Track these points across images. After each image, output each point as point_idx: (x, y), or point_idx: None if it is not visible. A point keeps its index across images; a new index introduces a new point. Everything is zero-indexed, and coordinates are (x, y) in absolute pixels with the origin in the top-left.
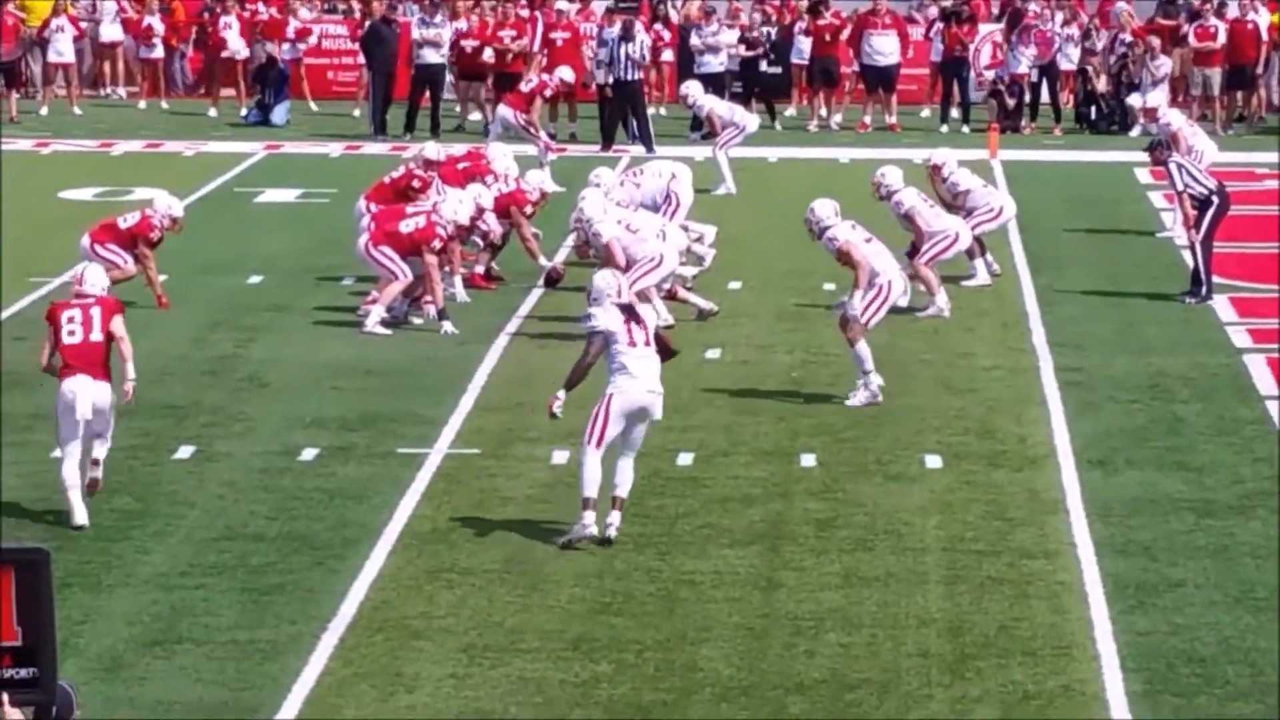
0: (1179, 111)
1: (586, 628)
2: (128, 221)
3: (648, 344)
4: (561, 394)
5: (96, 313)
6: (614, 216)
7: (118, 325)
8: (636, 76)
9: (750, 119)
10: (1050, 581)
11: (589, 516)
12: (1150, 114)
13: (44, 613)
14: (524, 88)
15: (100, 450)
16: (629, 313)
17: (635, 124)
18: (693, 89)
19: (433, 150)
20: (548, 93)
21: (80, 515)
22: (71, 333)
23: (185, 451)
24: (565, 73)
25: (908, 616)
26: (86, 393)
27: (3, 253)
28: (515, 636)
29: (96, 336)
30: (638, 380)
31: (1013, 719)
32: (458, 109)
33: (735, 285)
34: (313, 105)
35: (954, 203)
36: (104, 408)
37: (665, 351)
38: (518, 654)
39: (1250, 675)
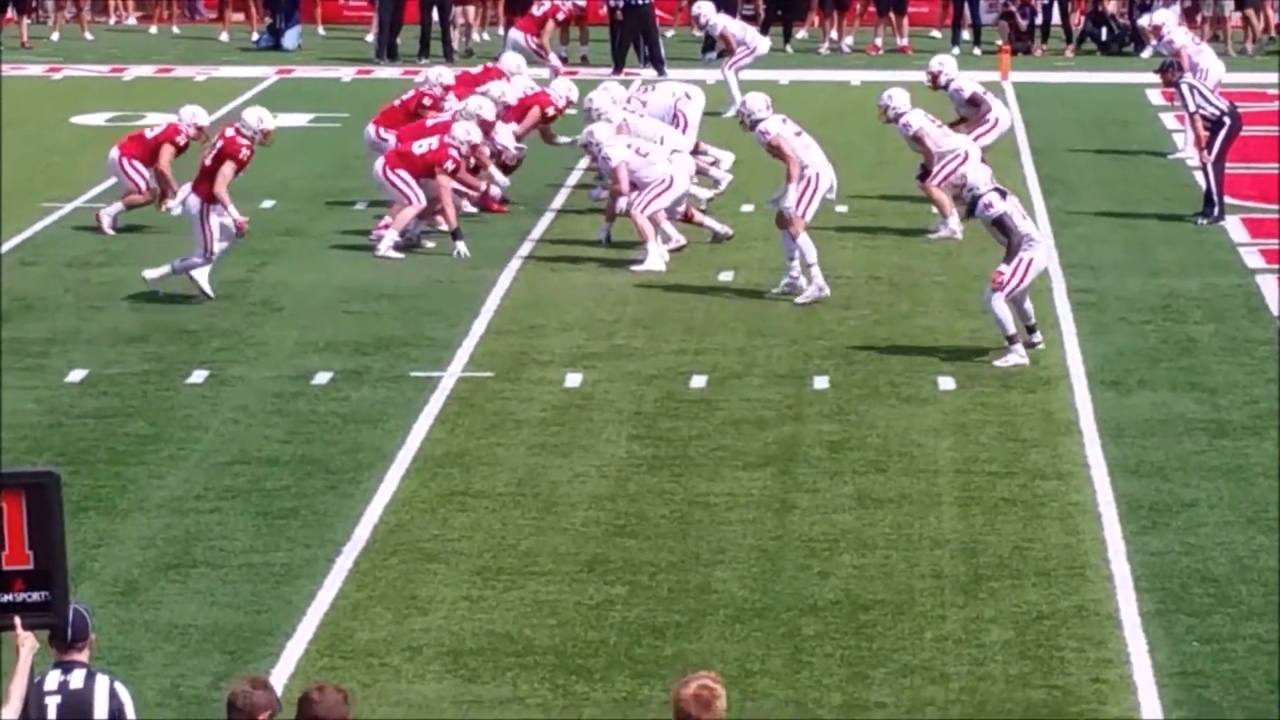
0: (1184, 29)
1: (601, 550)
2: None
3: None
4: None
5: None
6: (624, 140)
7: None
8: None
9: (761, 40)
10: (1063, 502)
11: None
12: (1156, 31)
13: (55, 536)
14: (536, 11)
15: None
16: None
17: (647, 47)
18: (705, 9)
19: (444, 75)
20: (559, 16)
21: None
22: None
23: (199, 376)
24: None
25: (921, 538)
26: None
27: (9, 179)
28: (529, 559)
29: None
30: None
31: (1026, 639)
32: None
33: (748, 208)
34: (321, 30)
35: (959, 111)
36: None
37: None
38: (532, 576)
39: (1263, 594)
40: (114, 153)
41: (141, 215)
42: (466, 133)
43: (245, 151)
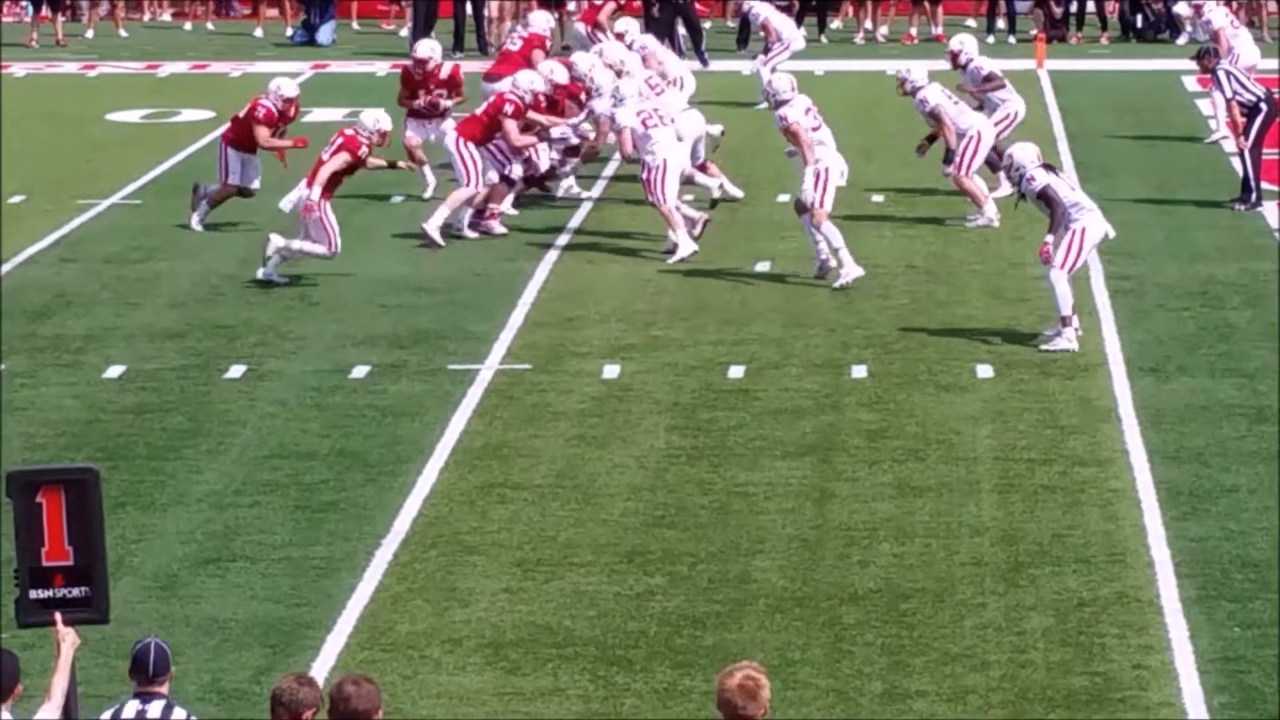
0: (1224, 10)
1: (640, 540)
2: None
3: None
4: None
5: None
6: (636, 107)
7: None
8: None
9: (798, 37)
10: (1103, 489)
11: (1071, 332)
12: (1198, 10)
13: (94, 532)
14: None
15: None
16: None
17: (691, 39)
18: None
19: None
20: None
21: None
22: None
23: (237, 371)
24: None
25: (960, 525)
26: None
27: (46, 175)
28: (569, 550)
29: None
30: (1097, 214)
31: (1067, 626)
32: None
33: (784, 198)
34: (355, 25)
35: (979, 91)
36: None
37: None
38: (571, 568)
39: None
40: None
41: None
42: (531, 81)
43: (364, 150)
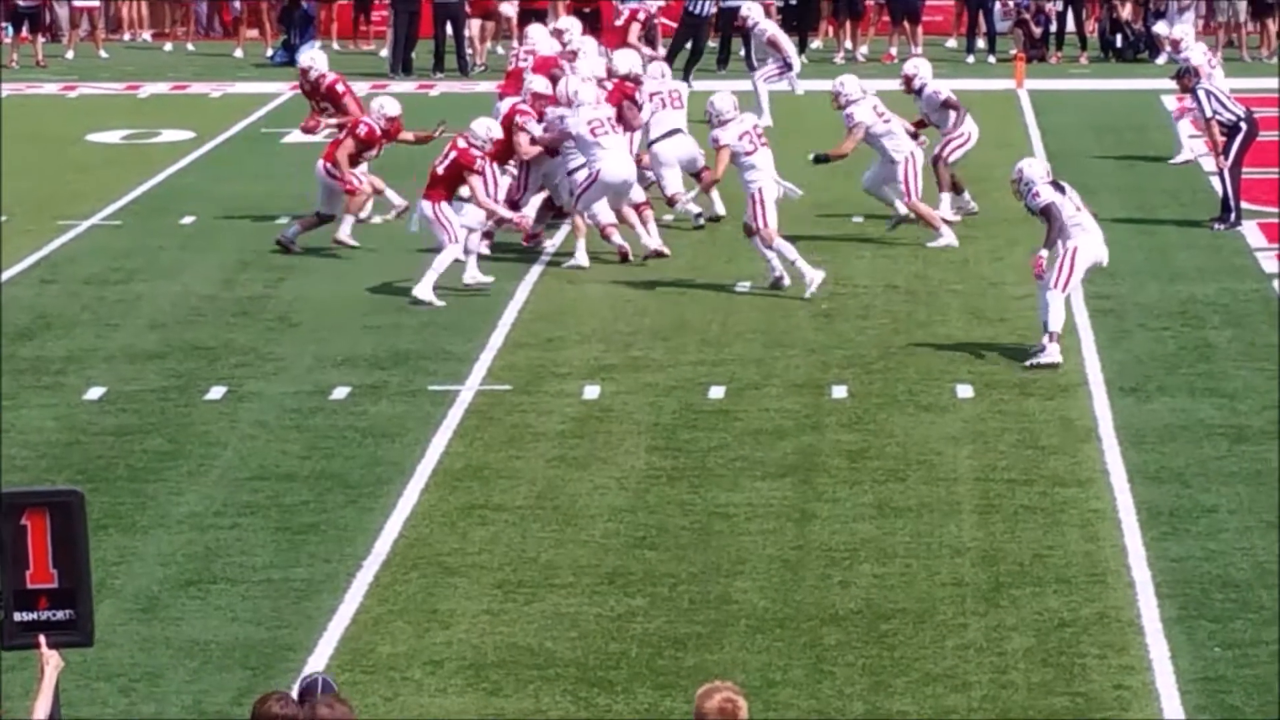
0: (1201, 46)
1: (621, 562)
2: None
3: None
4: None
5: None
6: (589, 115)
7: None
8: (710, 10)
9: (796, 59)
10: (1083, 509)
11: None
12: (1175, 45)
13: (79, 555)
14: (616, 23)
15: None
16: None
17: (690, 59)
18: (754, 11)
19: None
20: (640, 19)
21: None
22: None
23: (217, 392)
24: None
25: (941, 546)
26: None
27: (25, 197)
28: (550, 571)
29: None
30: (1094, 235)
31: (1048, 646)
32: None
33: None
34: (335, 45)
35: (930, 117)
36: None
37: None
38: (552, 589)
39: None
40: (319, 165)
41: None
42: (487, 129)
43: (480, 161)
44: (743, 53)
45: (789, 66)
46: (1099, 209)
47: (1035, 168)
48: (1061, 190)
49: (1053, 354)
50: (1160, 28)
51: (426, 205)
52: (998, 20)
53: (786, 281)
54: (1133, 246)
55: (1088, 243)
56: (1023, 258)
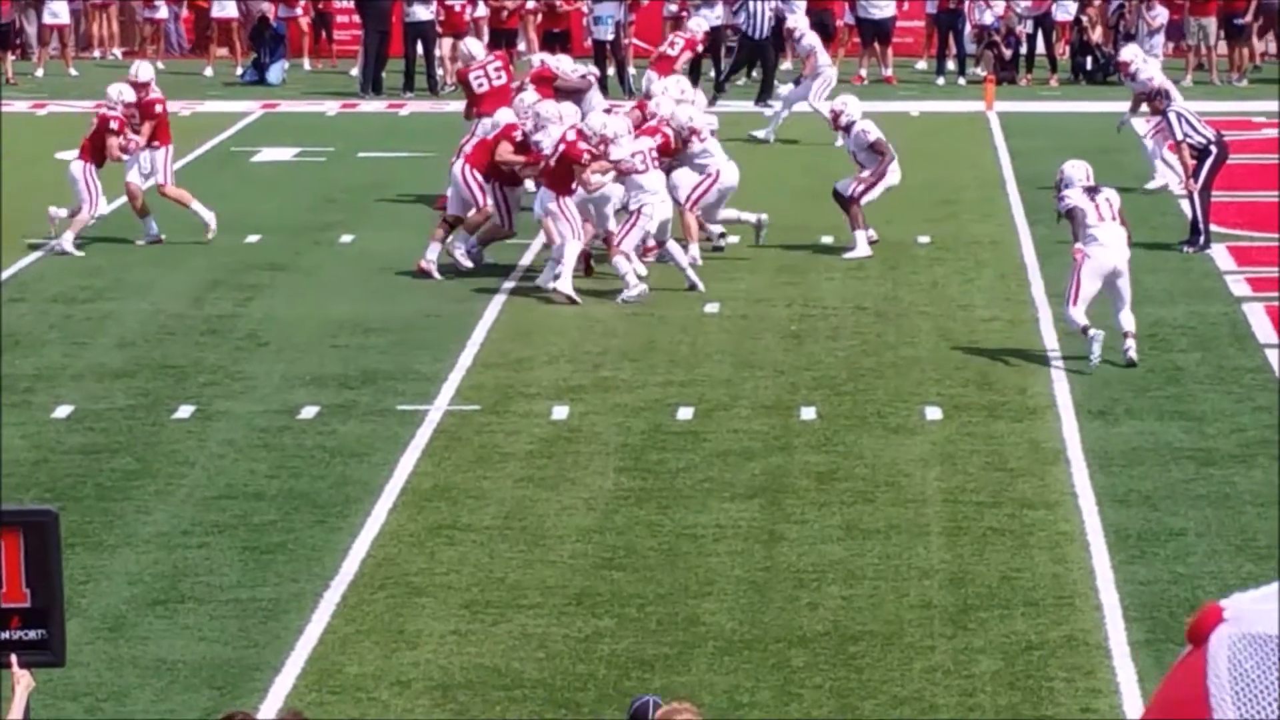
0: (1157, 65)
1: (588, 582)
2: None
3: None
4: None
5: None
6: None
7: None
8: (766, 34)
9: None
10: (1051, 532)
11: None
12: (1125, 67)
13: (52, 575)
14: (670, 51)
15: None
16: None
17: (722, 76)
18: (800, 23)
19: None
20: (698, 48)
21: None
22: None
23: (185, 411)
24: (699, 23)
25: (909, 568)
26: None
27: (1, 215)
28: (517, 592)
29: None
30: (1107, 248)
31: (1015, 669)
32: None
33: (733, 239)
34: (305, 64)
35: (858, 157)
36: None
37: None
38: (519, 610)
39: None
40: (458, 166)
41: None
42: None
43: (586, 156)
44: (712, 73)
45: (828, 79)
46: (1068, 232)
47: (1077, 169)
48: (1094, 195)
49: (1096, 344)
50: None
51: (547, 194)
52: (968, 42)
53: (643, 292)
54: None
55: (1098, 255)
56: (991, 280)
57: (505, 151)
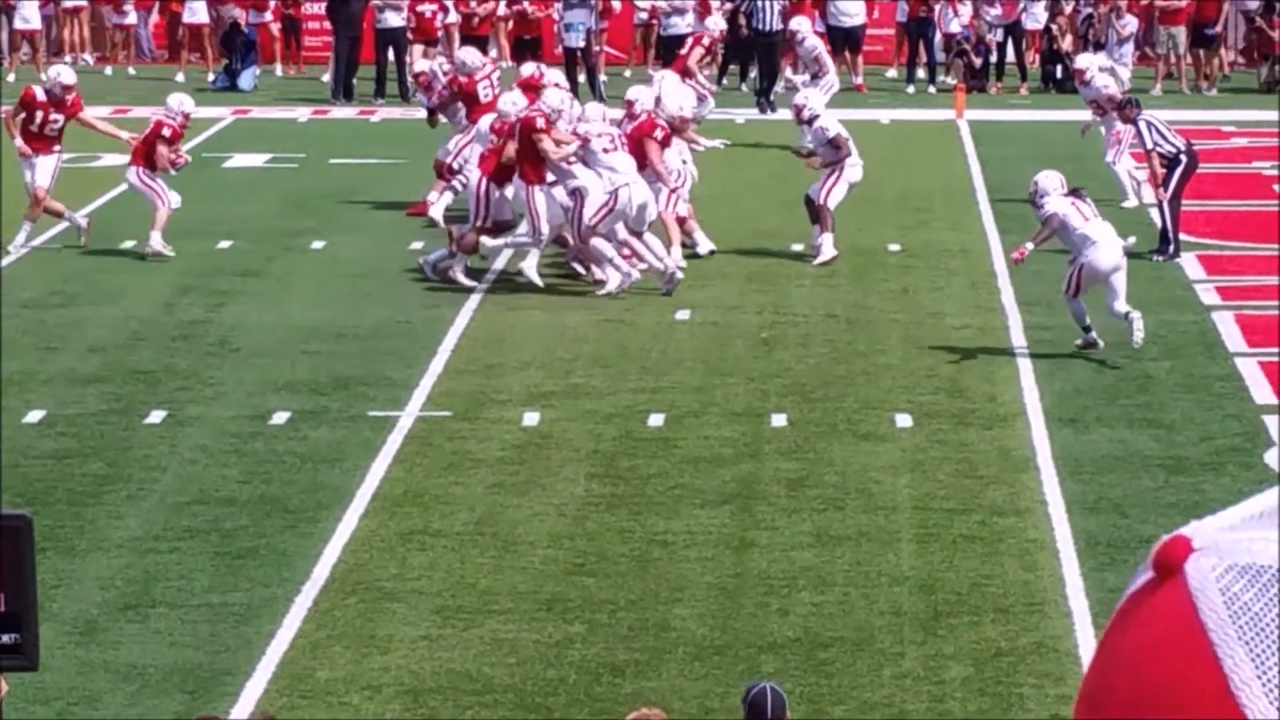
0: (1109, 77)
1: (559, 588)
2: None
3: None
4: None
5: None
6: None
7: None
8: (776, 26)
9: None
10: (1021, 539)
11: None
12: (1080, 75)
13: (26, 579)
14: (680, 50)
15: None
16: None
17: (763, 82)
18: (802, 25)
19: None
20: (705, 43)
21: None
22: None
23: (157, 416)
24: (717, 20)
25: (879, 575)
26: None
27: None
28: (488, 598)
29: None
30: (1104, 246)
31: (985, 676)
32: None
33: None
34: (277, 70)
35: (819, 151)
36: None
37: None
38: (491, 615)
39: None
40: (477, 180)
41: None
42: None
43: (660, 132)
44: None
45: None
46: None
47: (1050, 179)
48: (1077, 198)
49: (1091, 337)
50: (1100, 59)
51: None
52: (938, 50)
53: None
54: None
55: (1096, 255)
56: (961, 289)
57: (549, 147)
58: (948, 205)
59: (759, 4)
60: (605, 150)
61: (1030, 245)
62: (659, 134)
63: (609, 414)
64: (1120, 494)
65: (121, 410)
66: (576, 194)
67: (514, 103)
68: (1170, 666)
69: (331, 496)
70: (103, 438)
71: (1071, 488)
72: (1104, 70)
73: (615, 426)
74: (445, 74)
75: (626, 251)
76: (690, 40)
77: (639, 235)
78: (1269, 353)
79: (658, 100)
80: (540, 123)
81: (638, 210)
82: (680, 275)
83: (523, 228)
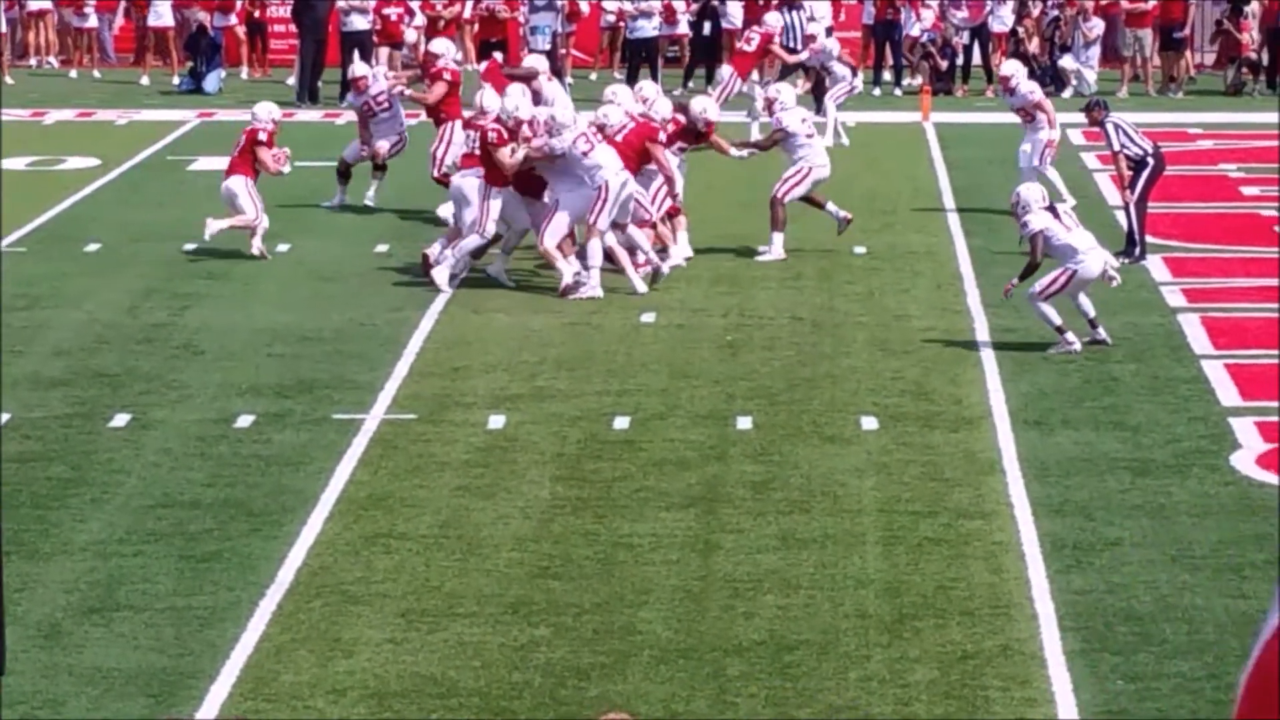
0: (1034, 83)
1: (524, 591)
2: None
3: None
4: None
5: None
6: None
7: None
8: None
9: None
10: (987, 541)
11: (1071, 335)
12: (1006, 81)
13: None
14: (746, 48)
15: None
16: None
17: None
18: (817, 29)
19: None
20: (775, 42)
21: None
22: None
23: (121, 419)
24: (775, 18)
25: (845, 578)
26: None
27: None
28: (453, 601)
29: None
30: (1089, 255)
31: (951, 679)
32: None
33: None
34: (243, 72)
35: (765, 142)
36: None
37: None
38: (456, 618)
39: (1187, 633)
40: (475, 183)
41: (49, 258)
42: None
43: (494, 135)
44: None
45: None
46: (1003, 242)
47: (1032, 191)
48: (1054, 213)
49: (1064, 345)
50: (1066, 61)
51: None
52: (904, 53)
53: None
54: (1037, 279)
55: (1085, 263)
56: (927, 291)
57: (506, 155)
58: (914, 208)
59: (789, 19)
60: (584, 153)
61: (1017, 281)
62: (662, 136)
63: (574, 417)
64: (1086, 496)
65: (85, 414)
66: (600, 191)
67: (490, 100)
68: None
69: (296, 499)
70: (67, 441)
71: (1037, 490)
72: (1032, 77)
73: (580, 429)
74: (388, 77)
75: (641, 259)
76: (759, 39)
77: (623, 228)
78: (1234, 355)
79: (683, 108)
80: (493, 137)
81: (623, 201)
82: (666, 271)
83: (468, 215)
